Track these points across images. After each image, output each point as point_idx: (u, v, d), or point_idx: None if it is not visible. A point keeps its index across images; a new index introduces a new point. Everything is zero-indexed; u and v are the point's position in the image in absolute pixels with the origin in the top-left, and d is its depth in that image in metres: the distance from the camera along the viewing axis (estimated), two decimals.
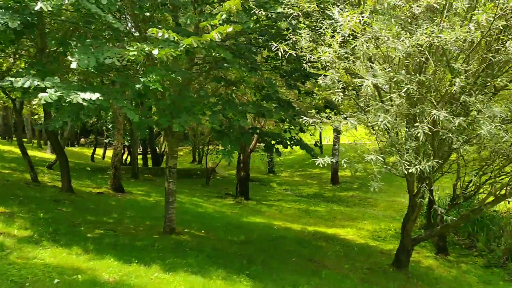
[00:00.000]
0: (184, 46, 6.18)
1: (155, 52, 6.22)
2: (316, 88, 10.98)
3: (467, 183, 10.23)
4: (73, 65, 6.12)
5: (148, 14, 8.59)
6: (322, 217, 16.57)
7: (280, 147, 8.84)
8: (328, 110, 9.37)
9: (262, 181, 25.95)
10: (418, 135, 4.57)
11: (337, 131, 15.81)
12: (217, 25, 6.15)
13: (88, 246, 7.43)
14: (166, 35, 6.09)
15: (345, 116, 5.80)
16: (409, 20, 5.30)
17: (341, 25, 4.91)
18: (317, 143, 10.16)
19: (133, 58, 6.19)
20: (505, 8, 4.35)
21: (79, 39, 7.51)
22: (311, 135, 12.48)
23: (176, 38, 6.09)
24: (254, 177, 26.10)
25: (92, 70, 9.50)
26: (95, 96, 6.06)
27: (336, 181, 23.13)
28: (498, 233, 11.97)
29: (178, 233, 9.82)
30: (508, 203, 14.95)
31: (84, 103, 6.14)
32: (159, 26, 6.78)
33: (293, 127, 9.97)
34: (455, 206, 10.78)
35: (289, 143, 8.04)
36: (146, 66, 7.82)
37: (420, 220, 14.08)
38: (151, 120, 8.38)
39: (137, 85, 6.61)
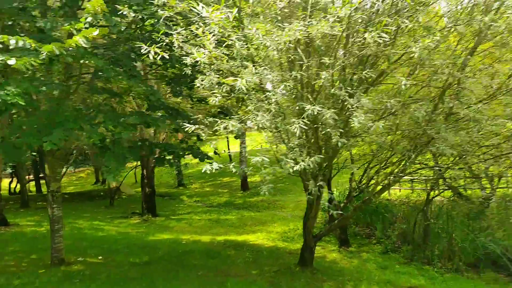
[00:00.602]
0: (45, 54, 5.50)
1: (11, 62, 5.43)
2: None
3: (361, 177, 10.79)
4: None
5: (10, 22, 7.63)
6: (233, 225, 16.40)
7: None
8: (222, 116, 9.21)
9: (172, 195, 25.10)
10: (295, 130, 4.56)
11: (236, 137, 15.86)
12: (83, 29, 5.57)
13: None
14: (21, 43, 5.35)
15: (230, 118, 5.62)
16: (279, 18, 5.33)
17: (209, 23, 4.73)
18: (216, 151, 9.92)
19: None
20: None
21: None
22: (210, 143, 12.22)
23: (33, 45, 5.38)
24: (163, 192, 25.20)
25: None
26: None
27: (246, 187, 23.22)
28: (392, 220, 12.88)
29: (69, 264, 8.85)
30: (400, 191, 16.33)
31: None
32: (22, 34, 6.00)
33: (188, 138, 9.62)
34: (352, 199, 11.29)
35: (181, 153, 7.66)
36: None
37: (325, 216, 14.65)
38: (19, 140, 7.37)
39: None
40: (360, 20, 4.84)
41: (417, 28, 5.28)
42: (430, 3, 5.46)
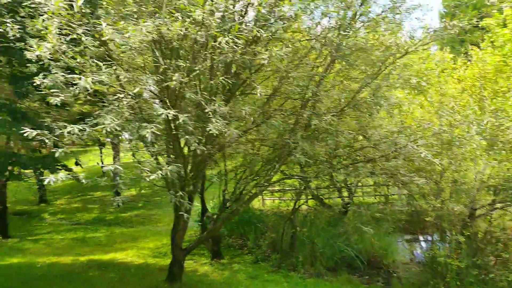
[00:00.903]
0: None
1: None
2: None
3: (234, 187, 10.85)
4: None
5: None
6: (100, 243, 15.14)
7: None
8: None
9: (31, 213, 22.27)
10: (147, 136, 4.27)
11: (101, 146, 14.75)
12: None
13: None
14: None
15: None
16: (136, 16, 5.02)
17: (47, 11, 4.19)
18: (78, 162, 9.00)
19: None
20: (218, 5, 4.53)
21: None
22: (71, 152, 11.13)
23: None
24: (20, 210, 22.28)
25: None
26: None
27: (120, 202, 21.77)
28: (264, 230, 13.24)
29: None
30: (273, 201, 16.98)
31: None
32: None
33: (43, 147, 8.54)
34: (225, 210, 11.28)
35: (27, 163, 6.68)
36: None
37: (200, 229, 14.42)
38: None
39: None
40: (215, 25, 4.79)
41: (272, 39, 5.48)
42: (288, 19, 5.72)
